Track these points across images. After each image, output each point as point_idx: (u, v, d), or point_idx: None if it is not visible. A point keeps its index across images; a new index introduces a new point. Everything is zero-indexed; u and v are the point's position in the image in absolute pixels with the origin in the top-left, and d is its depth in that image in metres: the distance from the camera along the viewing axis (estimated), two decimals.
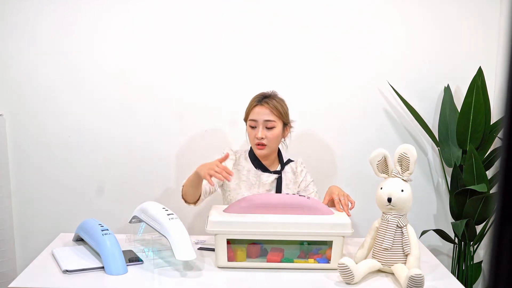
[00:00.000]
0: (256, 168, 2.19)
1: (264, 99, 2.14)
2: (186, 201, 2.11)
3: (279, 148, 2.23)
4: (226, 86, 2.62)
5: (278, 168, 2.22)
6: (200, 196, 2.07)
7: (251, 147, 2.22)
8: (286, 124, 2.19)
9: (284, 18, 2.61)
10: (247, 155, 2.23)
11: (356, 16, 2.62)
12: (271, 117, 2.11)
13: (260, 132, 2.10)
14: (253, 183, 2.18)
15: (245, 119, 2.19)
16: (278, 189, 2.17)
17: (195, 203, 2.10)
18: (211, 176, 1.84)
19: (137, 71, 2.63)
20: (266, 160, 2.20)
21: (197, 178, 1.97)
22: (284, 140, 2.24)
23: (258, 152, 2.15)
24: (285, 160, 2.24)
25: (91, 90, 2.63)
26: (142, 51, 2.61)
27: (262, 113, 2.11)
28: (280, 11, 2.61)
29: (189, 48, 2.62)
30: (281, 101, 2.17)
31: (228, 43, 2.62)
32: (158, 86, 2.64)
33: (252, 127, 2.13)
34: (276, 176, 2.19)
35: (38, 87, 2.62)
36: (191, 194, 2.05)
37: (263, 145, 2.11)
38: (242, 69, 2.63)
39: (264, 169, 2.19)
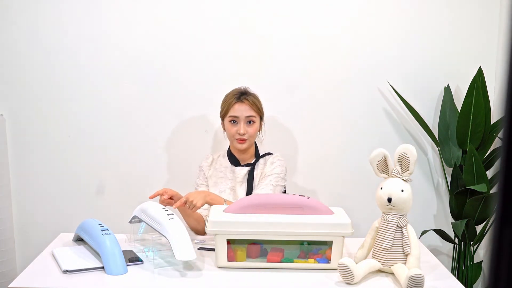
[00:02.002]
0: (231, 163, 2.28)
1: (242, 95, 2.22)
2: (200, 233, 2.23)
3: (255, 143, 2.33)
4: (227, 86, 2.62)
5: (253, 161, 2.30)
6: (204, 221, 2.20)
7: (229, 146, 2.32)
8: (261, 118, 2.28)
9: (284, 18, 2.61)
10: (225, 153, 2.33)
11: (356, 16, 2.62)
12: (251, 112, 2.21)
13: (242, 128, 2.19)
14: (229, 178, 2.27)
15: (223, 116, 2.27)
16: (250, 181, 2.24)
17: (204, 228, 2.19)
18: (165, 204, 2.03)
19: (137, 71, 2.63)
20: (244, 155, 2.29)
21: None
22: (259, 134, 2.32)
23: (238, 147, 2.23)
24: (263, 153, 2.32)
25: (91, 90, 2.63)
26: (142, 51, 2.62)
27: (243, 109, 2.20)
28: (280, 11, 2.61)
29: (189, 48, 2.62)
30: (257, 97, 2.27)
31: (228, 43, 2.62)
32: (158, 86, 2.64)
33: (233, 124, 2.21)
34: (248, 168, 2.27)
35: (38, 87, 2.62)
36: (193, 225, 2.19)
37: (244, 140, 2.20)
38: (241, 68, 2.64)
39: (238, 164, 2.29)
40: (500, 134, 1.87)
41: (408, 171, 1.79)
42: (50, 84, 2.62)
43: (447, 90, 2.62)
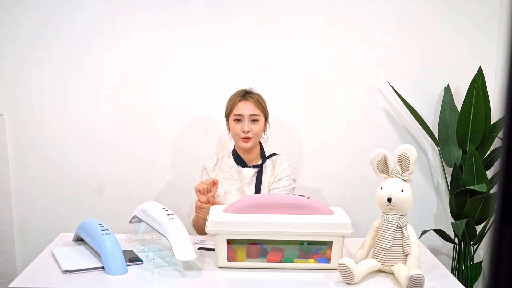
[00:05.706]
0: (237, 164, 2.26)
1: (247, 94, 2.22)
2: (199, 233, 2.25)
3: (261, 143, 2.31)
4: (227, 86, 2.62)
5: (259, 162, 2.28)
6: None
7: (234, 146, 2.29)
8: (266, 118, 2.27)
9: (284, 18, 2.61)
10: (230, 153, 2.31)
11: (356, 16, 2.62)
12: (256, 111, 2.20)
13: (246, 125, 2.18)
14: (235, 179, 2.25)
15: (227, 115, 2.26)
16: (258, 183, 2.23)
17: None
18: (201, 197, 2.07)
19: (136, 71, 2.63)
20: (249, 155, 2.27)
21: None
22: (264, 134, 2.31)
23: (243, 145, 2.21)
24: (268, 154, 2.31)
25: (91, 90, 2.64)
26: (141, 51, 2.62)
27: (247, 107, 2.19)
28: (280, 11, 2.61)
29: (189, 48, 2.62)
30: (262, 96, 2.26)
31: (228, 44, 2.62)
32: (158, 86, 2.64)
33: (237, 122, 2.20)
34: (256, 170, 2.25)
35: (38, 87, 2.62)
36: (201, 227, 2.18)
37: (249, 138, 2.19)
38: (241, 68, 2.64)
39: (245, 164, 2.27)
40: (500, 134, 1.87)
41: (408, 171, 1.79)
42: (50, 84, 2.62)
43: (447, 90, 2.63)
